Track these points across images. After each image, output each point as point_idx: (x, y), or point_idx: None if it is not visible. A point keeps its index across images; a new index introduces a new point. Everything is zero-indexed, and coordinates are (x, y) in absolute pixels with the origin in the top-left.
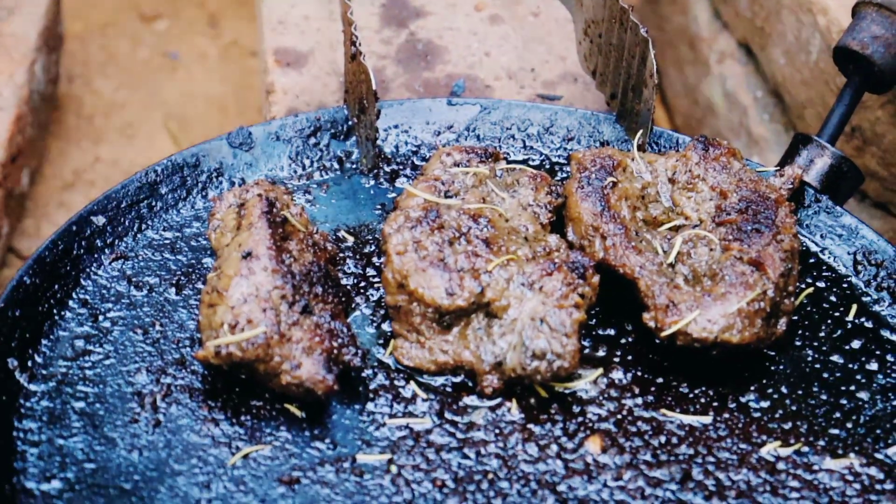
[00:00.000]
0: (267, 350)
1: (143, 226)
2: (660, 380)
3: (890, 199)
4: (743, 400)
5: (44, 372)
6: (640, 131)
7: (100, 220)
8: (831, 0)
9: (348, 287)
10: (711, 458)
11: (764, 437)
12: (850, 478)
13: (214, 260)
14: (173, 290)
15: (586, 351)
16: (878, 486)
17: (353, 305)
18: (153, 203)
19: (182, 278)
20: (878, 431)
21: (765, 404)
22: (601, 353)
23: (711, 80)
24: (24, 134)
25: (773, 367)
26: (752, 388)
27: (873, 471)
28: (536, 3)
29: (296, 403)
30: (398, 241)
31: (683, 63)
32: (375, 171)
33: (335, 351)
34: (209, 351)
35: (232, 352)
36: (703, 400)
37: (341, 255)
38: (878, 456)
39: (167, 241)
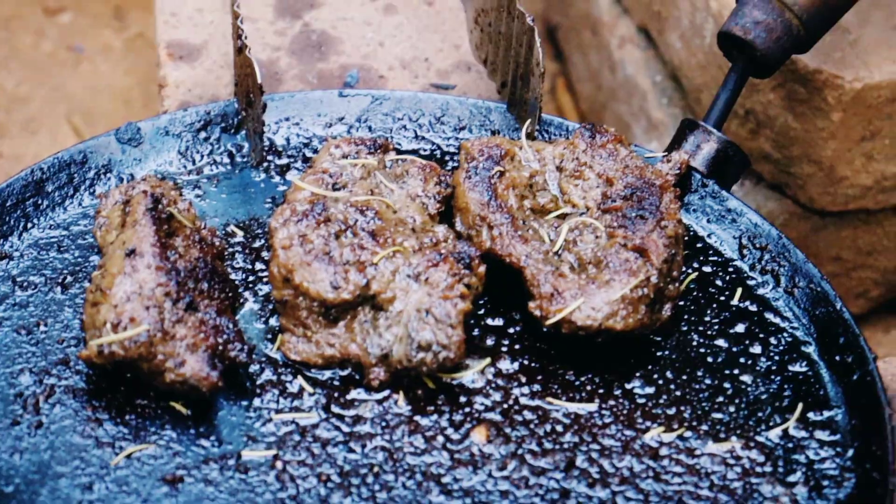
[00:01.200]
0: (150, 348)
1: (29, 224)
2: (547, 368)
3: (784, 180)
4: (628, 386)
5: None
6: (529, 120)
7: None
8: None
9: (237, 282)
10: (596, 446)
11: (648, 423)
12: (731, 461)
13: (101, 258)
14: (59, 289)
15: (474, 341)
16: (758, 469)
17: (242, 301)
18: (39, 201)
19: (68, 277)
20: (759, 414)
21: (650, 390)
22: (489, 343)
23: (613, 66)
24: None
25: (658, 353)
26: (638, 374)
27: (754, 454)
28: None
29: (181, 401)
30: (284, 236)
31: (587, 48)
32: (266, 164)
33: (220, 347)
34: (92, 350)
35: (114, 351)
36: (588, 387)
37: (230, 250)
38: (759, 439)
39: (53, 240)
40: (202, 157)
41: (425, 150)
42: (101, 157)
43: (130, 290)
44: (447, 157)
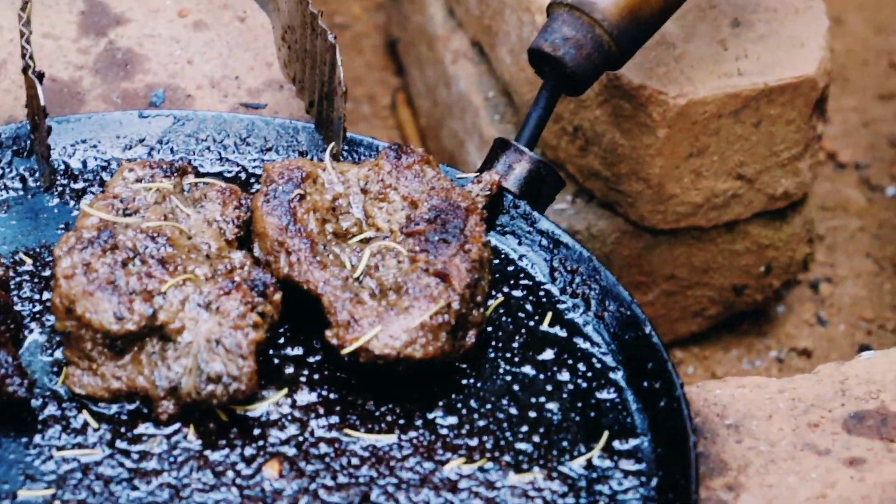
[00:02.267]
0: None
1: None
2: (346, 399)
3: (615, 198)
4: (430, 416)
5: None
6: (333, 141)
7: None
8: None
9: (22, 314)
10: (393, 479)
11: (449, 455)
12: (532, 493)
13: None
14: None
15: (272, 371)
16: (559, 501)
17: (27, 333)
18: None
19: None
20: (563, 444)
21: (452, 420)
22: (288, 373)
23: (447, 81)
24: None
25: (463, 381)
26: (441, 403)
27: (556, 485)
28: (244, 6)
29: None
30: (67, 265)
31: (424, 63)
32: (60, 189)
33: None
34: None
35: None
36: (389, 418)
37: (17, 279)
38: (563, 469)
39: None
40: None
41: (230, 173)
42: None
43: None
44: (252, 180)
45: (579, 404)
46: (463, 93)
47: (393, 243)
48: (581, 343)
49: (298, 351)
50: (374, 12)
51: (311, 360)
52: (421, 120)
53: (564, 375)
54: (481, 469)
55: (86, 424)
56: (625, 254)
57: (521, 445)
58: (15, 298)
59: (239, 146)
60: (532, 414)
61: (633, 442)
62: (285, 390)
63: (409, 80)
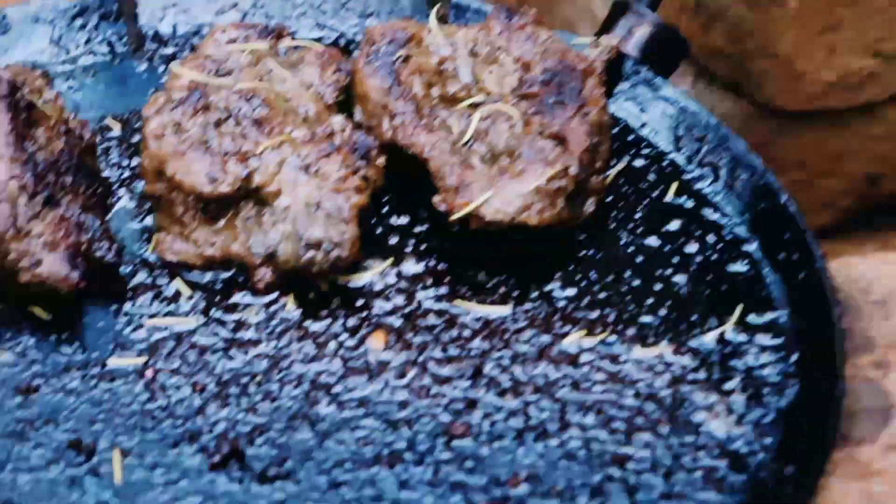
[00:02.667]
0: (0, 246)
1: None
2: (456, 269)
3: (740, 78)
4: (546, 288)
5: None
6: (440, 2)
7: None
8: None
9: (110, 180)
10: (507, 352)
11: (568, 328)
12: (659, 368)
13: None
14: None
15: (376, 241)
16: (689, 376)
17: (116, 199)
18: None
19: None
20: (692, 318)
21: (570, 292)
22: (392, 243)
23: None
24: None
25: (581, 253)
26: (557, 275)
27: (686, 359)
28: None
29: (41, 306)
30: (156, 125)
31: None
32: (148, 54)
33: (84, 246)
34: None
35: None
36: (502, 290)
37: (105, 145)
38: (692, 344)
39: None
40: (78, 46)
41: (328, 39)
42: None
43: None
44: (352, 47)
45: (709, 277)
46: None
47: (505, 106)
48: (710, 214)
49: (403, 220)
50: None
51: (417, 229)
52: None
53: (692, 247)
54: (603, 342)
55: (178, 293)
56: (750, 139)
57: (646, 319)
58: (102, 164)
59: (338, 11)
60: (657, 287)
61: (769, 316)
62: (390, 260)
63: None
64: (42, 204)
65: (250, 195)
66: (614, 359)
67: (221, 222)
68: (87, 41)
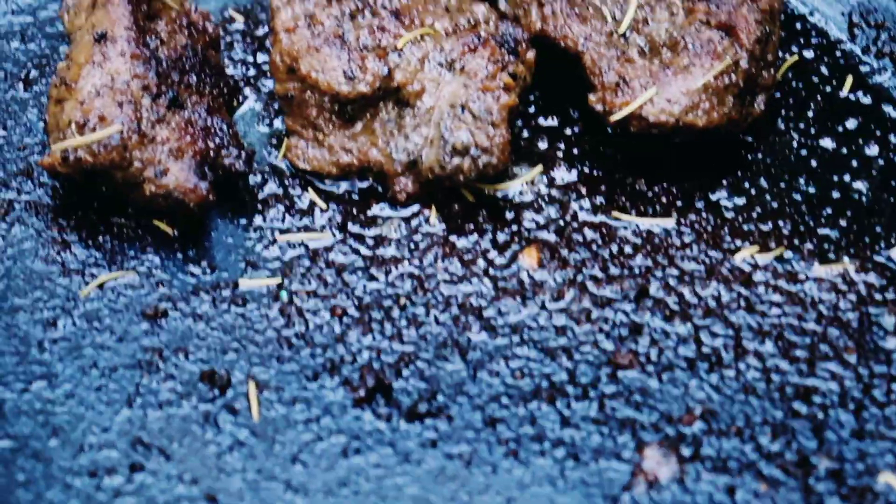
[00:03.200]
0: (124, 154)
1: None
2: (612, 177)
3: None
4: (713, 197)
5: None
6: None
7: None
8: None
9: (234, 77)
10: (673, 271)
11: (738, 242)
12: (843, 287)
13: (69, 46)
14: (21, 85)
15: (523, 145)
16: (876, 296)
17: (241, 99)
18: None
19: (33, 71)
20: (877, 229)
21: (739, 201)
22: (541, 147)
23: None
24: None
25: (749, 156)
26: (725, 182)
27: (871, 277)
28: None
29: (166, 220)
30: (287, 17)
31: None
32: None
33: (211, 153)
34: (55, 157)
35: (82, 157)
36: (664, 199)
37: (227, 38)
38: (878, 259)
39: (15, 28)
40: None
41: None
42: None
43: (100, 83)
44: None
45: (893, 182)
46: None
47: None
48: (892, 111)
49: (552, 122)
50: None
51: (567, 131)
52: None
53: (873, 149)
54: (779, 258)
55: (312, 205)
56: None
57: (824, 231)
58: (226, 61)
59: None
60: (835, 194)
61: None
62: (540, 167)
63: None
64: (166, 106)
65: (390, 95)
66: (792, 277)
67: (358, 125)
68: None
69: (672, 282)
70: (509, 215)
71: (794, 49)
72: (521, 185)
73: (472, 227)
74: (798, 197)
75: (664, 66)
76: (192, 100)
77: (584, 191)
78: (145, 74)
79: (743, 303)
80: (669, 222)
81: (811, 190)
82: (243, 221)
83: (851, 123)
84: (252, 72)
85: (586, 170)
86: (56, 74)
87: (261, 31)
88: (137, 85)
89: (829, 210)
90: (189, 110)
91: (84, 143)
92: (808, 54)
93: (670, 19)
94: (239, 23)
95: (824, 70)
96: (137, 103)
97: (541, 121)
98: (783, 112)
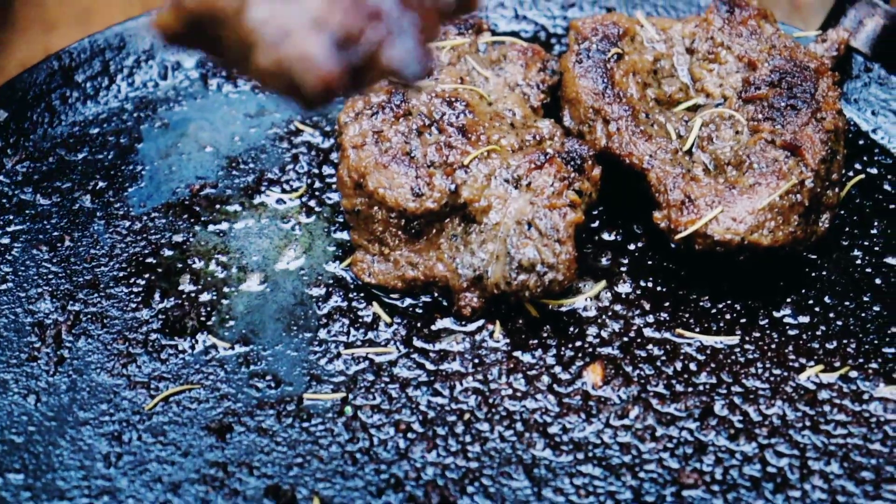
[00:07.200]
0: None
1: (55, 120)
2: (676, 293)
3: None
4: (777, 315)
5: None
6: None
7: (0, 114)
8: None
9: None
10: (738, 388)
11: (802, 361)
12: None
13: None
14: (88, 197)
15: (587, 260)
16: None
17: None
18: (67, 93)
19: (100, 183)
20: None
21: (804, 320)
22: (604, 263)
23: None
24: None
25: (813, 274)
26: (789, 300)
27: None
28: None
29: (231, 341)
30: (355, 133)
31: None
32: None
33: (363, 34)
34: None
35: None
36: (728, 316)
37: (293, 151)
38: None
39: (84, 139)
40: None
41: (527, 32)
42: (142, 41)
43: None
44: (553, 40)
45: None
46: None
47: (729, 110)
48: None
49: (617, 237)
50: None
51: (631, 246)
52: None
53: None
54: (844, 378)
55: (377, 318)
56: None
57: (889, 350)
58: (291, 174)
59: (537, 2)
60: None
61: None
62: (604, 282)
63: None
64: None
65: (456, 211)
66: (857, 396)
67: (424, 241)
68: None
69: (737, 400)
70: (573, 330)
71: (858, 166)
72: (584, 300)
73: (535, 342)
74: (863, 315)
75: (729, 185)
76: None
77: (647, 307)
78: None
79: (808, 422)
80: (733, 340)
81: (876, 308)
82: (308, 335)
83: None
84: (317, 183)
85: (650, 285)
86: None
87: (326, 144)
88: None
89: (893, 329)
90: None
91: None
92: (873, 171)
93: (735, 138)
94: (305, 135)
95: (888, 188)
96: None
97: (605, 236)
98: (847, 229)
